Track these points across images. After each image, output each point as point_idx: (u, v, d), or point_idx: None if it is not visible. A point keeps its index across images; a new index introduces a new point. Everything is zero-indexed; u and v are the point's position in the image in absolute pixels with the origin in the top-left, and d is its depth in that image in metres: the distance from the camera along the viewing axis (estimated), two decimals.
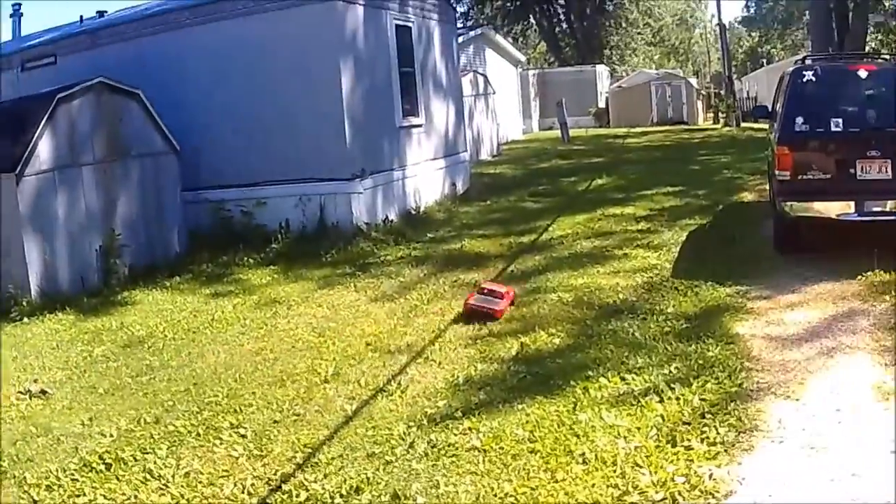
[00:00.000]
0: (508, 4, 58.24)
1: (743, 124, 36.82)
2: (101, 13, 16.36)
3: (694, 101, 44.68)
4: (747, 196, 15.58)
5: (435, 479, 5.04)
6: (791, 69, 10.63)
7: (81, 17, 16.09)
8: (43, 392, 7.20)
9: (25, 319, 9.69)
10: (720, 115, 41.34)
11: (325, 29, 13.28)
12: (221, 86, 13.66)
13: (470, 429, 5.68)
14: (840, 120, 9.60)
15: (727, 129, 36.71)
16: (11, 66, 15.62)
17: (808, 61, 10.88)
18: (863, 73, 10.05)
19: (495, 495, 4.79)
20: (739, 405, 5.69)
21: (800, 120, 9.72)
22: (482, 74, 28.52)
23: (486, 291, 8.76)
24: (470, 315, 8.44)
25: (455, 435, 5.62)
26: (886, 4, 37.31)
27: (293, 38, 13.26)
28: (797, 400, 5.78)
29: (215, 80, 13.68)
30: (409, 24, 15.92)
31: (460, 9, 51.64)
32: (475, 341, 7.75)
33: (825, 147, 9.66)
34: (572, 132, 34.18)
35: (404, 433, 5.74)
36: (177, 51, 13.76)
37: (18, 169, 10.01)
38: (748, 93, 50.91)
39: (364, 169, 13.58)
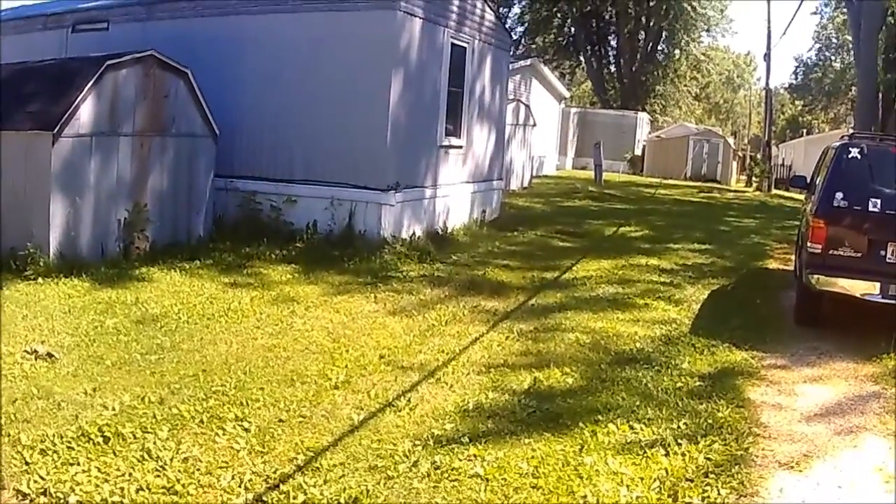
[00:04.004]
0: (561, 40, 58.53)
1: (774, 190, 36.99)
2: None
3: (729, 162, 44.53)
4: (772, 263, 15.49)
5: (434, 501, 4.98)
6: (837, 144, 10.54)
7: None
8: (49, 355, 7.10)
9: (40, 280, 9.62)
10: (753, 178, 41.31)
11: (382, 37, 13.22)
12: (270, 77, 13.65)
13: (475, 455, 5.62)
14: (879, 201, 9.48)
15: (758, 192, 36.79)
16: (62, 25, 15.54)
17: (855, 139, 10.78)
18: None
19: None
20: (743, 469, 5.66)
21: (839, 195, 9.60)
22: (526, 105, 28.47)
23: None
24: None
25: (459, 459, 5.55)
26: None
27: (349, 40, 13.23)
28: (801, 472, 5.74)
29: (265, 70, 13.67)
30: (465, 45, 15.87)
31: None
32: (489, 370, 7.63)
33: (859, 225, 9.54)
34: (605, 175, 34.13)
35: (409, 450, 5.66)
36: (230, 36, 13.77)
37: (56, 128, 9.99)
38: (783, 160, 51.09)
39: (398, 182, 13.51)
